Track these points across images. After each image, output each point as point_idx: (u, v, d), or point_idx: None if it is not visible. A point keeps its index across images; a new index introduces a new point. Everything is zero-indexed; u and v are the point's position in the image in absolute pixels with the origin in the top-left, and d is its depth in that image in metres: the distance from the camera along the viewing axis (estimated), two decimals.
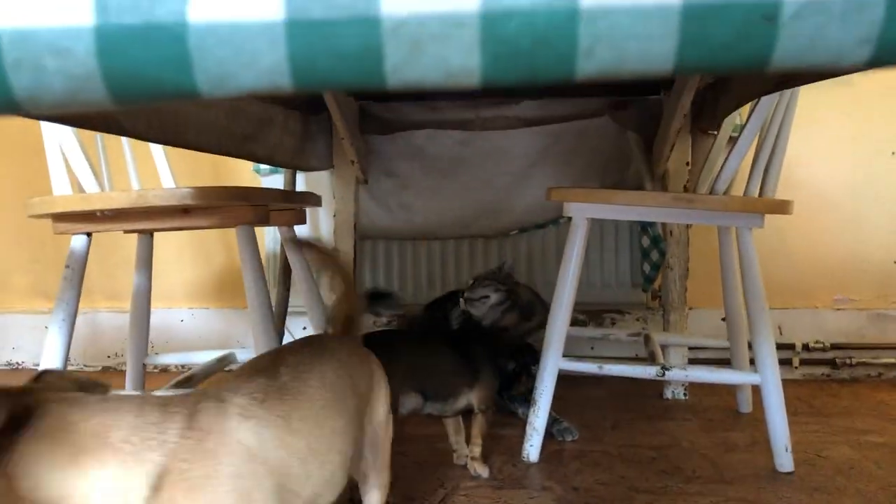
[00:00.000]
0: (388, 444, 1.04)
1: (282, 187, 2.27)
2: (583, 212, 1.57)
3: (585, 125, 2.27)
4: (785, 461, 1.50)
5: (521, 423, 1.65)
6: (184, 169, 2.15)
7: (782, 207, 1.55)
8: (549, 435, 1.63)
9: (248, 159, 1.69)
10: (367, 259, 2.40)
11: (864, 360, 2.37)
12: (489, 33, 0.24)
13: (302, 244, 1.37)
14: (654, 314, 2.33)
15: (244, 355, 1.90)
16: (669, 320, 2.12)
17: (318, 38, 0.25)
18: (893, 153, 2.36)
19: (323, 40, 0.25)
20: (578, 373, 1.63)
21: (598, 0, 0.24)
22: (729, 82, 1.69)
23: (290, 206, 1.74)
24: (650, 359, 1.79)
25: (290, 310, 2.26)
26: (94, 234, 1.58)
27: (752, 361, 1.61)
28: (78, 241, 1.56)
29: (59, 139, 1.53)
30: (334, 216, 2.23)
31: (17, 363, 2.65)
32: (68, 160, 1.54)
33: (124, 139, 1.73)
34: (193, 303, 2.59)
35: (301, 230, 2.30)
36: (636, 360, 2.34)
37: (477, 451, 1.48)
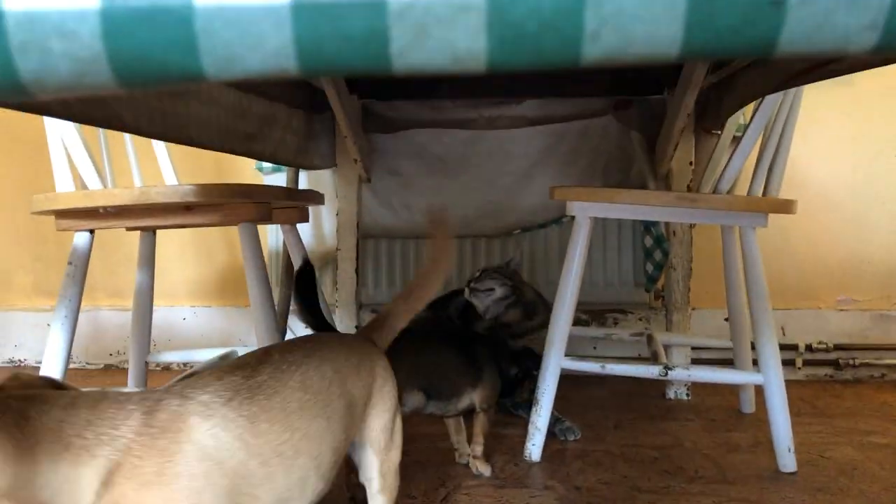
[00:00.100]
0: (395, 449, 1.01)
1: (284, 186, 2.27)
2: (586, 211, 1.56)
3: (588, 125, 2.27)
4: (788, 462, 1.50)
5: (524, 423, 1.65)
6: (186, 166, 2.16)
7: (786, 207, 1.55)
8: (551, 434, 1.63)
9: (251, 157, 1.69)
10: (370, 258, 2.40)
11: (867, 360, 2.36)
12: (496, 17, 0.24)
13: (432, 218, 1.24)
14: (656, 314, 2.32)
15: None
16: (672, 320, 2.12)
17: (324, 20, 0.25)
18: None
19: (329, 23, 0.25)
20: (581, 372, 1.62)
21: None
22: (733, 81, 1.69)
23: (292, 203, 1.75)
24: (653, 359, 1.78)
25: (292, 308, 2.26)
26: (96, 232, 1.58)
27: (755, 362, 1.60)
28: (81, 238, 1.56)
29: (62, 136, 1.53)
30: (337, 215, 2.23)
31: (20, 361, 2.65)
32: (71, 157, 1.55)
33: (127, 136, 1.74)
34: (196, 301, 2.60)
35: (303, 229, 2.31)
36: (639, 359, 2.34)
37: (479, 449, 1.48)
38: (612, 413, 1.95)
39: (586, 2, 0.24)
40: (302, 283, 1.19)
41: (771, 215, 1.55)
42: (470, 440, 1.50)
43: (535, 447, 1.57)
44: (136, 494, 0.63)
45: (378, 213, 2.35)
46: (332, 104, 1.88)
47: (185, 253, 2.58)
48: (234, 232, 1.64)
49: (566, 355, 1.57)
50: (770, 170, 1.58)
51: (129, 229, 1.76)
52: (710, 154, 2.00)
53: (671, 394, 2.11)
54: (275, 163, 2.02)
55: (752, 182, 1.57)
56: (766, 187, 1.59)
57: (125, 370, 1.84)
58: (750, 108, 1.68)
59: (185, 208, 1.47)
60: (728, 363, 1.99)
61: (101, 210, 1.49)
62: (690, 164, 2.10)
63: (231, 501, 0.69)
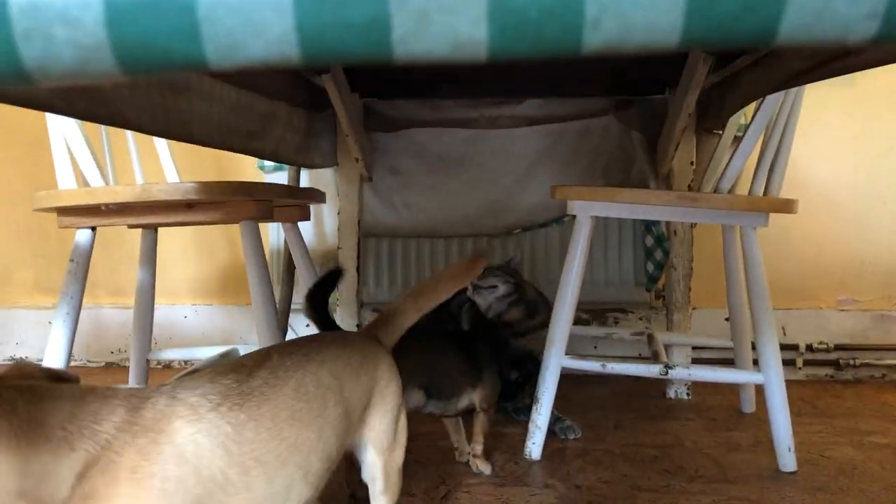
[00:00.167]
0: (399, 449, 1.01)
1: (286, 184, 2.27)
2: (587, 210, 1.57)
3: (589, 124, 2.28)
4: (788, 461, 1.50)
5: (524, 424, 1.65)
6: (187, 164, 2.16)
7: (787, 206, 1.55)
8: (551, 433, 1.63)
9: (253, 155, 1.69)
10: (371, 257, 2.40)
11: (867, 361, 2.36)
12: (497, 4, 0.24)
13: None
14: (657, 314, 2.33)
15: (247, 351, 1.90)
16: (673, 320, 2.12)
17: (326, 7, 0.25)
18: None
19: (330, 10, 0.25)
20: (581, 371, 1.62)
21: None
22: (735, 81, 1.69)
23: (294, 202, 1.75)
24: (653, 358, 1.78)
25: (293, 307, 2.27)
26: (98, 229, 1.59)
27: (755, 362, 1.60)
28: (82, 236, 1.56)
29: (64, 133, 1.53)
30: (338, 213, 2.24)
31: (21, 359, 2.66)
32: (73, 154, 1.55)
33: (129, 133, 1.74)
34: (197, 299, 2.60)
35: (305, 227, 2.31)
36: (639, 359, 2.34)
37: (479, 448, 1.48)
38: (612, 412, 1.95)
39: None
40: (324, 284, 1.19)
41: (772, 215, 1.55)
42: (470, 439, 1.50)
43: (535, 446, 1.57)
44: (107, 490, 0.63)
45: (379, 211, 2.35)
46: (334, 102, 1.88)
47: (186, 251, 2.59)
48: (235, 230, 1.64)
49: (567, 354, 1.57)
50: (771, 169, 1.58)
51: (130, 227, 1.77)
52: (711, 154, 2.00)
53: (671, 393, 2.11)
54: (276, 161, 2.02)
55: (753, 182, 1.57)
56: (767, 187, 1.59)
57: (126, 368, 1.85)
58: (751, 108, 1.68)
59: (186, 206, 1.47)
60: (729, 363, 1.99)
61: (102, 207, 1.49)
62: (691, 164, 2.10)
63: None
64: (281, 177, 2.38)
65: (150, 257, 1.79)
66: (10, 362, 2.65)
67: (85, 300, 1.59)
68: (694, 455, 1.59)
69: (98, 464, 0.64)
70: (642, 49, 0.26)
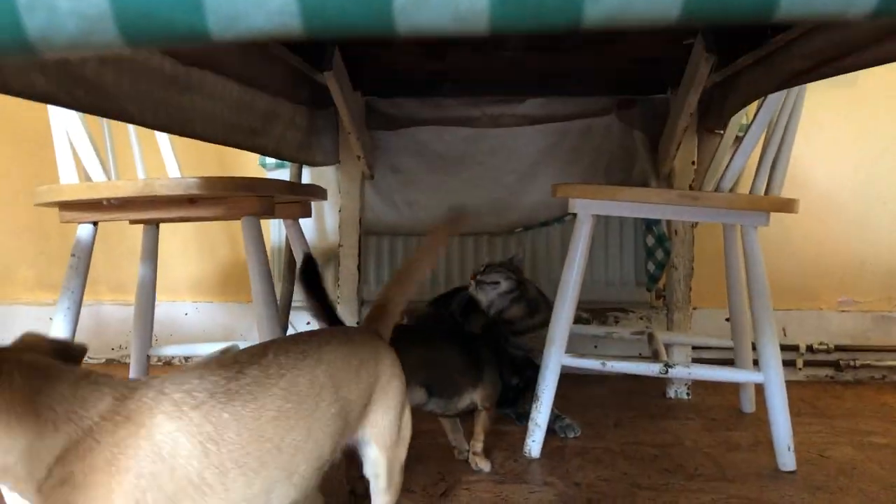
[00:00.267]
0: (402, 445, 1.00)
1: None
2: (588, 208, 1.57)
3: (591, 123, 2.28)
4: (787, 460, 1.50)
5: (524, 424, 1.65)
6: (190, 161, 2.16)
7: (788, 206, 1.55)
8: (551, 431, 1.63)
9: (255, 151, 1.69)
10: (372, 255, 2.40)
11: (868, 362, 2.36)
12: None
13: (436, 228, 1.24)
14: (657, 313, 2.33)
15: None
16: (673, 319, 2.12)
17: None
18: None
19: None
20: (582, 369, 1.62)
21: None
22: (736, 80, 1.69)
23: (295, 198, 1.75)
24: (654, 357, 1.78)
25: (294, 304, 2.27)
26: (99, 225, 1.59)
27: (755, 362, 1.60)
28: (84, 231, 1.56)
29: (66, 127, 1.53)
30: (339, 211, 2.24)
31: None
32: (75, 149, 1.55)
33: (131, 128, 1.74)
34: (198, 296, 2.60)
35: (306, 225, 2.31)
36: (640, 358, 2.34)
37: (479, 446, 1.48)
38: (612, 411, 1.95)
39: None
40: (307, 279, 1.18)
41: (773, 216, 1.55)
42: (470, 437, 1.50)
43: (534, 443, 1.57)
44: (83, 478, 0.64)
45: (380, 209, 2.35)
46: (336, 100, 1.88)
47: (187, 248, 2.59)
48: (236, 228, 1.65)
49: (567, 353, 1.57)
50: (772, 169, 1.58)
51: (132, 222, 1.77)
52: (712, 154, 2.00)
53: (671, 393, 2.11)
54: (278, 158, 2.02)
55: (754, 181, 1.57)
56: (768, 186, 1.59)
57: (127, 364, 1.84)
58: (752, 108, 1.68)
59: (188, 201, 1.48)
60: (729, 363, 1.99)
61: (104, 202, 1.49)
62: (693, 163, 2.10)
63: None
64: (283, 174, 2.38)
65: (151, 253, 1.79)
66: None
67: (86, 296, 1.59)
68: (693, 454, 1.59)
69: (78, 449, 0.64)
70: (642, 23, 0.26)
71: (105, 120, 1.64)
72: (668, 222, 2.14)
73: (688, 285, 2.11)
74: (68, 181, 1.54)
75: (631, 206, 1.56)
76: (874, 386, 2.31)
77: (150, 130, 1.62)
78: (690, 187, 2.07)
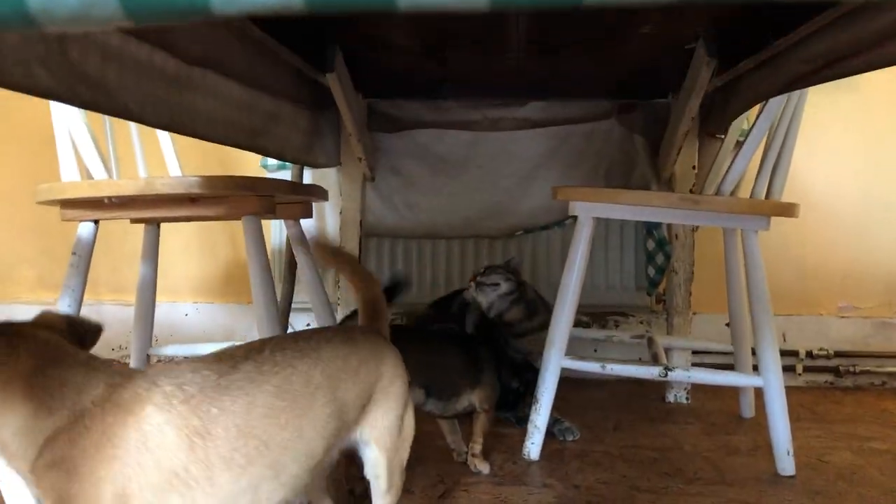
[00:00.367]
0: (404, 447, 0.99)
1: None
2: (588, 211, 1.57)
3: (591, 128, 2.28)
4: (786, 465, 1.50)
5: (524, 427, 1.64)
6: (191, 161, 2.16)
7: (788, 210, 1.55)
8: (550, 434, 1.63)
9: (257, 152, 1.69)
10: (373, 257, 2.40)
11: (868, 368, 2.36)
12: None
13: (310, 242, 1.31)
14: (657, 317, 2.32)
15: None
16: (673, 324, 2.12)
17: None
18: None
19: None
20: (581, 372, 1.62)
21: None
22: (738, 84, 1.69)
23: (296, 198, 1.75)
24: (653, 361, 1.78)
25: (294, 306, 2.26)
26: (100, 226, 1.59)
27: (755, 367, 1.60)
28: (85, 229, 1.56)
29: (68, 125, 1.54)
30: (340, 213, 2.24)
31: None
32: (77, 147, 1.55)
33: (133, 127, 1.74)
34: (198, 297, 2.60)
35: (307, 225, 2.31)
36: (639, 362, 2.34)
37: (478, 448, 1.48)
38: (611, 415, 1.95)
39: None
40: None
41: (773, 222, 1.55)
42: (469, 439, 1.49)
43: (533, 446, 1.57)
44: (72, 463, 0.64)
45: (381, 212, 2.35)
46: (338, 102, 1.88)
47: (188, 249, 2.59)
48: (237, 229, 1.64)
49: (566, 356, 1.57)
50: (773, 173, 1.59)
51: (133, 221, 1.77)
52: (713, 158, 2.00)
53: (671, 397, 2.11)
54: (279, 159, 2.02)
55: (754, 185, 1.57)
56: (768, 191, 1.59)
57: (127, 364, 1.84)
58: (753, 113, 1.68)
59: (189, 200, 1.48)
60: (728, 367, 1.99)
61: (106, 200, 1.49)
62: (693, 168, 2.10)
63: (158, 499, 0.68)
64: (284, 176, 2.38)
65: (152, 252, 1.79)
66: None
67: (86, 296, 1.59)
68: (693, 458, 1.59)
69: (69, 433, 0.65)
70: (642, 2, 0.26)
71: (107, 118, 1.64)
72: (669, 226, 2.14)
73: (688, 289, 2.11)
74: (70, 179, 1.54)
75: (632, 209, 1.56)
76: (874, 392, 2.31)
77: (151, 129, 1.63)
78: (691, 191, 2.07)
